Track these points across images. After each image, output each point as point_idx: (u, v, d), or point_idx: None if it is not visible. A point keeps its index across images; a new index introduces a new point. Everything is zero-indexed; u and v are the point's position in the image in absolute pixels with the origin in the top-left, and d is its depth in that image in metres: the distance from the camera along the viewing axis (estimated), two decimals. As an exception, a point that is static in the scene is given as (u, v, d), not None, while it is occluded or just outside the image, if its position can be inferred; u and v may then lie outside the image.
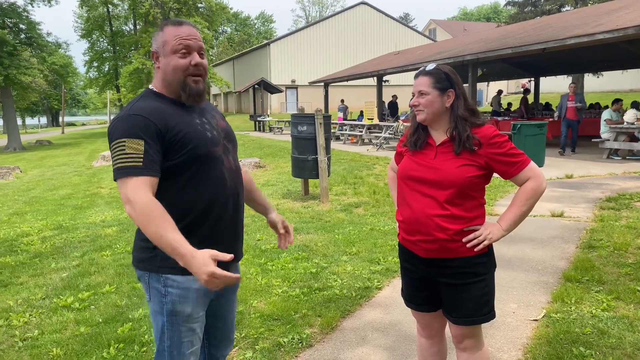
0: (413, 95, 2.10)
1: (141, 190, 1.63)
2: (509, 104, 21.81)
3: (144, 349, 3.22)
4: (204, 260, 1.56)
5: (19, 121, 44.30)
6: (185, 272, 1.75)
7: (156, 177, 1.69)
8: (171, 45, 1.77)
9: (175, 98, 1.83)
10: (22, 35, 29.92)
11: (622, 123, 11.60)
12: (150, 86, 1.88)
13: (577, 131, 12.77)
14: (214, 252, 1.59)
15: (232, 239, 1.92)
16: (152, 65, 1.88)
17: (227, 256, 1.59)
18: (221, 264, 1.86)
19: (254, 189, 2.22)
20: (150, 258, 1.80)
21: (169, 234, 1.59)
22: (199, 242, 1.77)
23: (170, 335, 1.79)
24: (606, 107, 12.90)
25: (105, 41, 43.78)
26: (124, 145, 1.65)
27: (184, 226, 1.74)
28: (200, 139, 1.77)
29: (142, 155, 1.65)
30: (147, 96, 1.81)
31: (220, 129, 1.92)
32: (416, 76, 2.12)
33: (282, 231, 2.19)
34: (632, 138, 11.34)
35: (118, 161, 1.65)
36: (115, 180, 1.68)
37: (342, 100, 24.96)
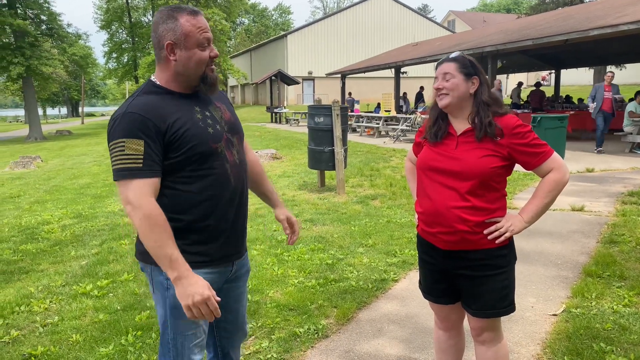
0: (436, 80, 2.06)
1: (145, 195, 1.61)
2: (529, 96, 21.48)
3: (162, 336, 3.25)
4: (203, 284, 1.64)
5: (40, 111, 44.91)
6: (189, 265, 1.75)
7: (157, 177, 1.66)
8: (194, 38, 1.70)
9: (180, 90, 1.77)
10: (43, 27, 30.33)
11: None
12: (152, 78, 1.79)
13: (609, 126, 11.67)
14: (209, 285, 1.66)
15: (235, 235, 1.88)
16: (159, 55, 1.78)
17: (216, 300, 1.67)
18: (227, 259, 1.87)
19: (265, 181, 2.18)
20: None
21: (169, 248, 1.61)
22: (200, 239, 1.77)
23: (174, 329, 1.78)
24: (631, 99, 12.58)
25: (124, 32, 44.16)
26: (123, 146, 1.61)
27: (185, 222, 1.73)
28: (200, 136, 1.72)
29: (142, 156, 1.61)
30: (148, 91, 1.74)
31: (225, 122, 1.85)
32: (440, 63, 2.07)
33: (287, 231, 2.18)
34: (656, 132, 11.10)
35: (118, 162, 1.61)
36: (115, 180, 1.65)
37: (350, 93, 24.91)
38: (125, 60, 43.63)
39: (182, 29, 1.69)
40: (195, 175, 1.72)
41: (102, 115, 71.75)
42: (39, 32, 29.26)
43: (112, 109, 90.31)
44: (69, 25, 34.91)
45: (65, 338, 3.30)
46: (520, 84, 19.16)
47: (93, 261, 4.92)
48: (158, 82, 1.77)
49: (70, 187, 10.08)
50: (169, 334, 1.80)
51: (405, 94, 22.63)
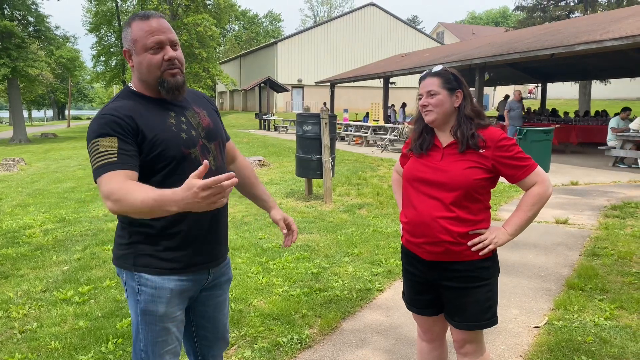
0: (420, 96, 2.08)
1: (115, 177, 1.56)
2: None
3: (143, 344, 3.20)
4: (187, 186, 1.40)
5: (25, 113, 44.43)
6: (159, 271, 1.73)
7: (133, 171, 1.62)
8: (142, 42, 1.70)
9: (153, 96, 1.78)
10: (31, 28, 30.01)
11: (628, 131, 11.53)
12: (129, 84, 1.83)
13: None
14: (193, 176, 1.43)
15: (210, 241, 1.85)
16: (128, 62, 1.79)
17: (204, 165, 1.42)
18: (202, 266, 1.85)
19: (256, 183, 2.16)
20: (126, 255, 1.78)
21: (146, 196, 1.47)
22: (172, 245, 1.75)
23: (145, 335, 1.77)
24: (616, 114, 12.78)
25: (113, 36, 43.89)
26: (98, 145, 1.61)
27: (157, 228, 1.72)
28: (170, 141, 1.70)
29: (116, 152, 1.60)
30: (124, 96, 1.77)
31: (202, 128, 1.83)
32: (423, 78, 2.09)
33: (284, 231, 2.13)
34: (639, 146, 11.27)
35: (94, 161, 1.61)
36: (95, 180, 1.63)
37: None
38: (114, 63, 43.35)
39: (131, 35, 1.73)
40: (168, 180, 1.69)
41: (89, 118, 71.18)
42: (25, 34, 28.96)
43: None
44: (56, 27, 34.69)
45: (43, 345, 3.24)
46: (507, 96, 19.38)
47: (75, 267, 4.85)
48: (133, 88, 1.80)
49: (53, 191, 9.96)
50: (140, 340, 1.79)
51: (393, 105, 22.82)
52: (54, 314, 3.74)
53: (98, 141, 1.62)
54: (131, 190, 1.52)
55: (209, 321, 2.00)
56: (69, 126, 45.80)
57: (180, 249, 1.77)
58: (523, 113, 15.69)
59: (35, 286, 4.32)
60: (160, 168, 1.70)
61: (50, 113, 75.98)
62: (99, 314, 3.70)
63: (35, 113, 72.70)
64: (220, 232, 1.91)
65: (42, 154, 19.61)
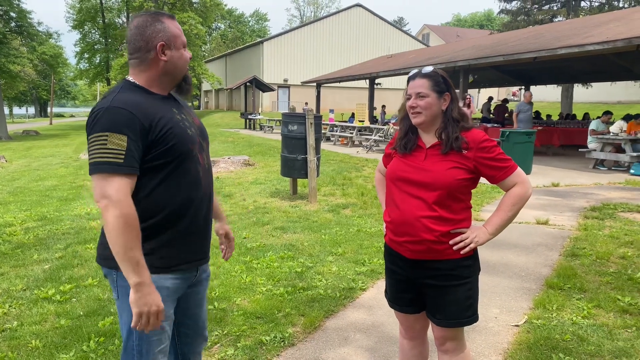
0: (409, 97, 2.09)
1: (126, 194, 1.60)
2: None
3: (125, 343, 3.19)
4: (159, 295, 1.65)
5: (6, 110, 43.71)
6: (155, 270, 1.73)
7: (136, 175, 1.65)
8: (181, 39, 1.81)
9: (159, 92, 1.80)
10: (12, 24, 29.55)
11: (608, 133, 11.74)
12: (128, 78, 1.81)
13: None
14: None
15: (202, 239, 1.89)
16: (143, 57, 1.75)
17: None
18: (194, 263, 1.88)
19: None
20: None
21: (137, 252, 1.60)
22: (169, 241, 1.76)
23: (139, 334, 1.76)
24: (598, 117, 13.00)
25: (97, 33, 43.44)
26: (106, 140, 1.59)
27: (155, 223, 1.72)
28: (182, 136, 1.75)
29: (124, 152, 1.60)
30: (128, 89, 1.75)
31: (195, 127, 1.90)
32: (412, 77, 2.10)
33: (222, 247, 2.21)
34: (618, 149, 11.48)
35: (98, 155, 1.59)
36: (91, 174, 1.61)
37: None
38: (98, 61, 42.90)
39: (171, 31, 1.78)
40: (172, 175, 1.73)
41: (72, 116, 70.26)
42: (7, 30, 28.53)
43: (82, 110, 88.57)
44: (39, 23, 34.12)
45: (24, 344, 3.20)
46: (490, 98, 19.62)
47: (56, 265, 4.80)
48: (135, 82, 1.79)
49: (35, 188, 9.83)
50: (133, 340, 1.78)
51: (384, 106, 22.91)
52: (35, 312, 3.70)
53: (107, 135, 1.60)
54: (133, 222, 1.60)
55: (191, 318, 2.01)
56: (51, 123, 45.16)
57: (177, 246, 1.79)
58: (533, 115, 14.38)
59: (16, 285, 4.27)
60: (168, 162, 1.72)
61: (32, 110, 74.77)
62: (81, 313, 3.67)
63: (16, 110, 71.43)
64: (209, 231, 1.95)
65: (24, 152, 19.33)
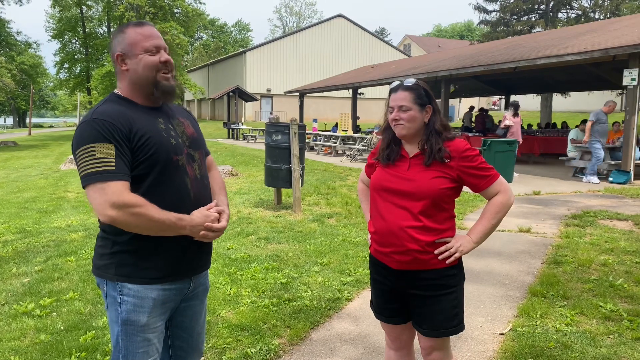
0: (392, 110, 2.10)
1: (127, 192, 1.62)
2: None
3: (107, 358, 3.13)
4: (196, 214, 1.78)
5: (-16, 121, 42.94)
6: (141, 280, 1.73)
7: (128, 181, 1.66)
8: (140, 45, 1.76)
9: (141, 102, 1.80)
10: (-9, 33, 29.18)
11: (585, 142, 11.91)
12: (115, 91, 1.84)
13: None
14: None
15: (193, 251, 1.85)
16: (116, 69, 1.83)
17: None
18: (184, 274, 1.87)
19: (217, 192, 2.08)
20: (107, 265, 1.76)
21: (169, 215, 1.69)
22: (155, 252, 1.75)
23: (125, 345, 1.75)
24: (577, 126, 13.22)
25: (77, 42, 42.92)
26: (94, 150, 1.60)
27: (139, 234, 1.71)
28: (162, 145, 1.73)
29: (113, 160, 1.61)
30: (111, 100, 1.78)
31: (187, 136, 1.88)
32: (394, 90, 2.10)
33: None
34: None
35: (89, 166, 1.60)
36: (85, 186, 1.62)
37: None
38: (78, 71, 42.32)
39: (128, 39, 1.77)
40: (154, 186, 1.72)
41: (51, 126, 69.16)
42: (-15, 39, 28.15)
43: (62, 120, 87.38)
44: (18, 33, 33.79)
45: (2, 360, 3.13)
46: (471, 108, 19.86)
47: (36, 279, 4.70)
48: (120, 94, 1.81)
49: (13, 200, 9.64)
50: (120, 351, 1.76)
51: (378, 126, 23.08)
52: (14, 327, 3.62)
53: (94, 146, 1.61)
54: (149, 205, 1.65)
55: (185, 331, 1.99)
56: (30, 134, 44.40)
57: (163, 257, 1.77)
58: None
59: (-6, 299, 4.17)
60: (148, 173, 1.71)
61: (10, 120, 73.56)
62: (62, 328, 3.59)
63: (-6, 120, 70.25)
64: (205, 242, 1.89)
65: (1, 163, 18.97)
